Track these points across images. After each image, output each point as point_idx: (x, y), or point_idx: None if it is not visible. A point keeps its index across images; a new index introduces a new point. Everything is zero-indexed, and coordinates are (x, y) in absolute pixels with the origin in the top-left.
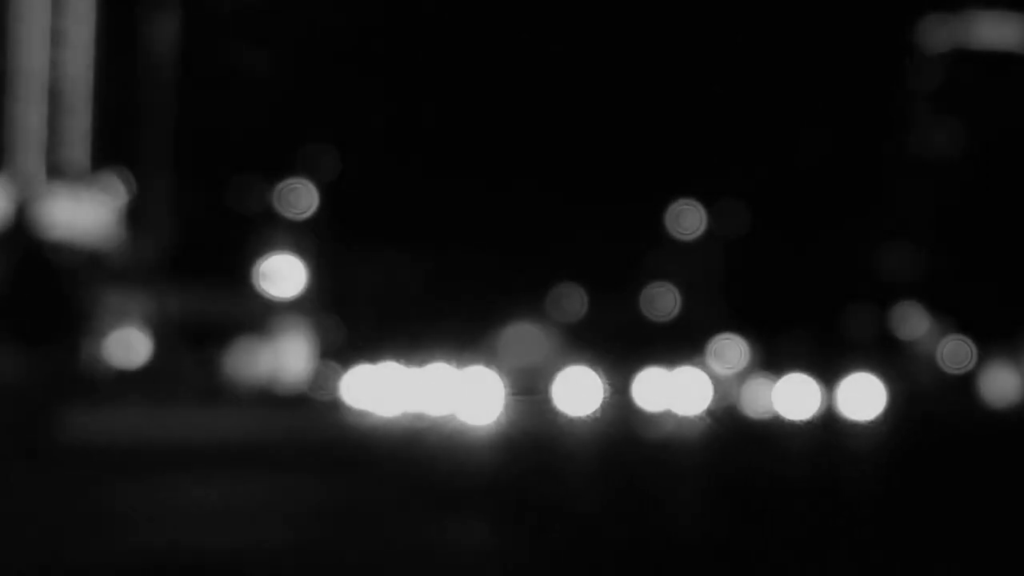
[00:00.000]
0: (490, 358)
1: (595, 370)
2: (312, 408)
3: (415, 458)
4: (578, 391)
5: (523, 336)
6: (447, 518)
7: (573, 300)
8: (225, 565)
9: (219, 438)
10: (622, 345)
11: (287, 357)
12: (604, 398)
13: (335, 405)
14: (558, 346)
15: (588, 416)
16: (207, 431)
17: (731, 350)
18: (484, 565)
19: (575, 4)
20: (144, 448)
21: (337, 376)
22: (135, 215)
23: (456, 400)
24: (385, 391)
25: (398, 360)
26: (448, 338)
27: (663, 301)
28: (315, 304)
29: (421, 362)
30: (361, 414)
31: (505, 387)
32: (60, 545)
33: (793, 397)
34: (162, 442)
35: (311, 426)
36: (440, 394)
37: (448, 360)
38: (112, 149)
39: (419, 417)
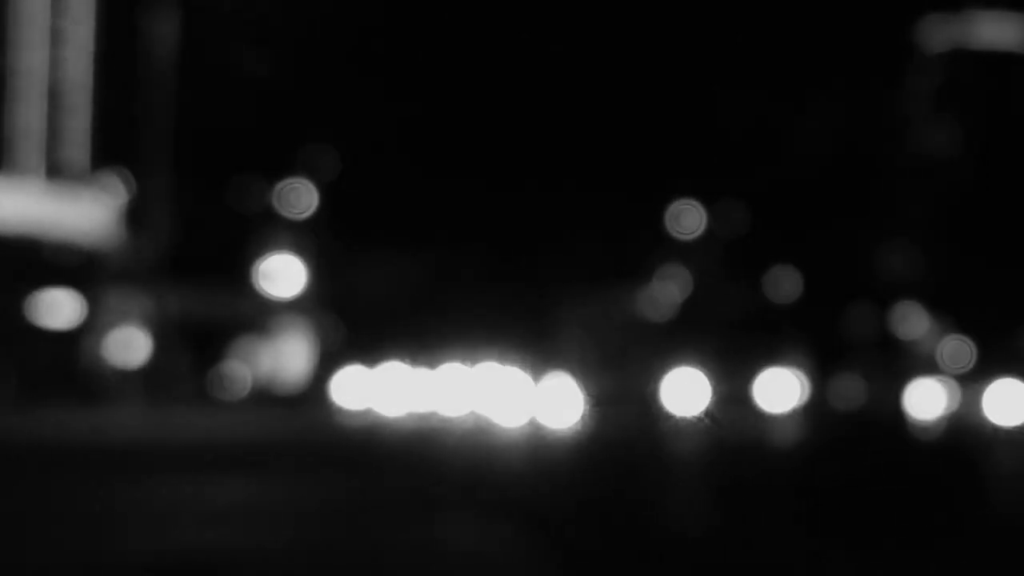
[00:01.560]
0: (557, 359)
1: (703, 370)
2: (312, 408)
3: (418, 458)
4: (683, 393)
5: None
6: (449, 519)
7: (675, 285)
8: (225, 565)
9: (218, 438)
10: (740, 336)
11: (287, 357)
12: (714, 400)
13: (336, 405)
14: (654, 342)
15: (691, 419)
16: (207, 431)
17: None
18: (486, 567)
19: (575, 3)
20: (144, 448)
21: (338, 376)
22: (135, 215)
23: (472, 400)
24: (388, 391)
25: (402, 360)
26: (460, 337)
27: (788, 281)
28: (315, 304)
29: (432, 362)
30: (363, 414)
31: (584, 393)
32: (60, 545)
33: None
34: (162, 442)
35: (311, 426)
36: (454, 394)
37: (462, 360)
38: (112, 149)
39: (425, 417)
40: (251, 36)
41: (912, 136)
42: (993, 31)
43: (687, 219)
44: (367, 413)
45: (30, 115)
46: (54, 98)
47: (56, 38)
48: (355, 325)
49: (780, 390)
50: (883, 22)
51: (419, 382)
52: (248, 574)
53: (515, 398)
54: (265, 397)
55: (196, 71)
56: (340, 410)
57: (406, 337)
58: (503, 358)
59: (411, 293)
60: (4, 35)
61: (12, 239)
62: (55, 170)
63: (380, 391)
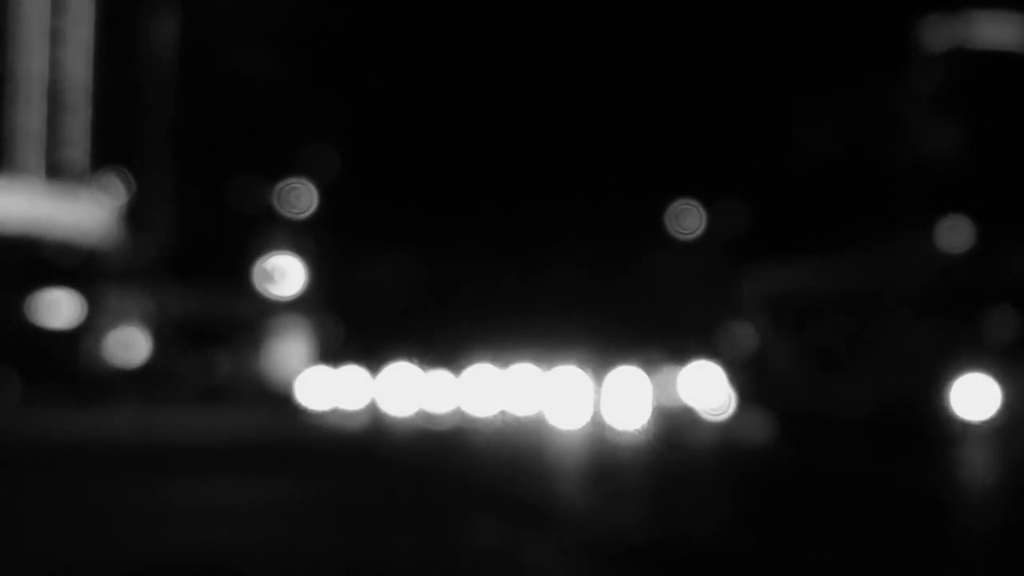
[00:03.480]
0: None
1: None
2: (312, 408)
3: (420, 459)
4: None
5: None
6: (449, 520)
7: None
8: (225, 565)
9: (218, 438)
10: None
11: (287, 357)
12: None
13: (335, 405)
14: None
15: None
16: (206, 431)
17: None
18: (488, 568)
19: (576, 4)
20: (144, 448)
21: (338, 376)
22: (135, 215)
23: (503, 401)
24: (393, 392)
25: (410, 360)
26: (486, 337)
27: None
28: (315, 304)
29: (453, 364)
30: (363, 414)
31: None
32: (59, 545)
33: None
34: (162, 442)
35: (310, 426)
36: (480, 395)
37: (492, 360)
38: (112, 149)
39: (437, 418)
40: (251, 36)
41: (912, 136)
42: (993, 31)
43: (687, 219)
44: (374, 413)
45: (30, 115)
46: (54, 98)
47: (56, 38)
48: (356, 325)
49: None
50: (883, 22)
51: (432, 384)
52: (248, 574)
53: (571, 398)
54: (265, 397)
55: (196, 71)
56: (353, 410)
57: (413, 337)
58: (545, 358)
59: (415, 293)
60: (4, 35)
61: (12, 239)
62: (55, 170)
63: (384, 392)
